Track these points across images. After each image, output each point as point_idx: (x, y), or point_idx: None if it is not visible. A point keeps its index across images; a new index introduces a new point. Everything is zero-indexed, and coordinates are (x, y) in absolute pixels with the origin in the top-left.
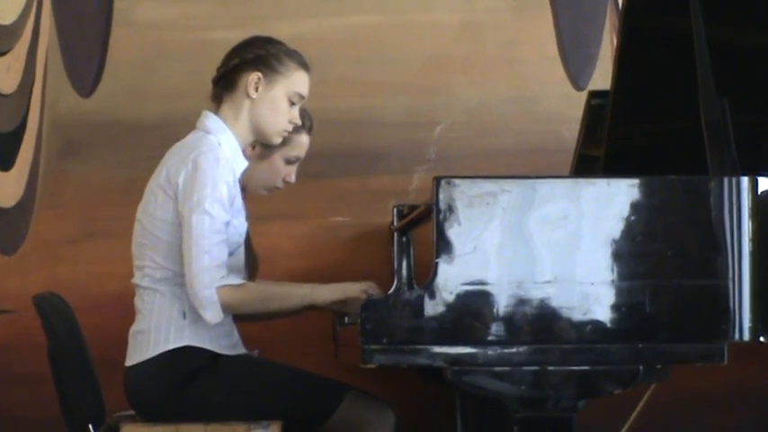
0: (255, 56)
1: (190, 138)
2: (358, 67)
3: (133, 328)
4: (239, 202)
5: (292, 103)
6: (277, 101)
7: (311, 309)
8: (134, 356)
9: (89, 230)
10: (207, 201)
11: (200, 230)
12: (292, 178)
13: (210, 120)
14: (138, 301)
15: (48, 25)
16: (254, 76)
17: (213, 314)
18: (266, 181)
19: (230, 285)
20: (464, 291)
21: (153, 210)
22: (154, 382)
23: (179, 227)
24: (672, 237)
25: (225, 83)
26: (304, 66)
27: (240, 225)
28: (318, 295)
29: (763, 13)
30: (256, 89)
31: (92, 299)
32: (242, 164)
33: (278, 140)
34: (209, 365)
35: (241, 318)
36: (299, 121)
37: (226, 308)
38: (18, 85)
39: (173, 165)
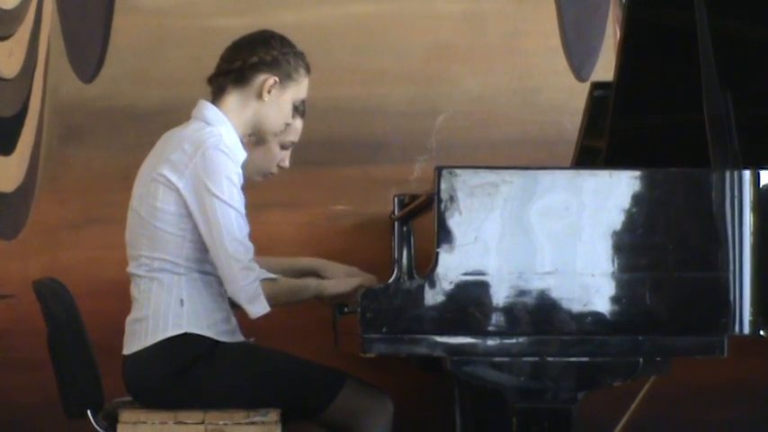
0: (274, 59)
1: (189, 129)
2: (360, 56)
3: (130, 317)
4: None
5: (294, 107)
6: (284, 105)
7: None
8: (132, 345)
9: (90, 216)
10: (226, 194)
11: (229, 225)
12: (286, 163)
13: (209, 110)
14: (134, 290)
15: (50, 10)
16: (272, 80)
17: (261, 306)
18: (262, 167)
19: (269, 278)
20: (464, 281)
21: (152, 201)
22: (153, 370)
23: (183, 218)
24: (673, 229)
25: (237, 77)
26: (309, 71)
27: None
28: (328, 286)
29: (766, 6)
30: (269, 92)
31: (92, 284)
32: (241, 155)
33: (272, 138)
34: (207, 353)
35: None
36: (290, 122)
37: (267, 300)
38: (20, 70)
39: (174, 158)
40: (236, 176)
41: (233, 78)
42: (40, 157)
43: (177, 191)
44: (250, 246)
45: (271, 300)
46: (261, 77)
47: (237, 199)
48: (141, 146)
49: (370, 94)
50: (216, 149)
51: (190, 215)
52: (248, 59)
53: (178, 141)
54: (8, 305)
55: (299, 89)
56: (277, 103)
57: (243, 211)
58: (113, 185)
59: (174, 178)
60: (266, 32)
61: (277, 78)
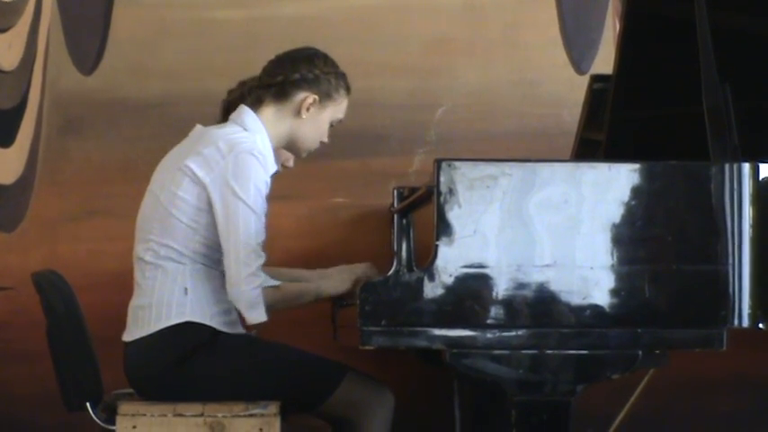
0: (315, 77)
1: (226, 130)
2: (360, 48)
3: (133, 303)
4: None
5: (330, 125)
6: (321, 123)
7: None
8: (134, 332)
9: (89, 208)
10: (251, 199)
11: (247, 230)
12: (291, 163)
13: (249, 117)
14: (138, 275)
15: (50, 2)
16: (311, 99)
17: (259, 313)
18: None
19: (272, 286)
20: (464, 273)
21: (174, 188)
22: (154, 358)
23: (201, 212)
24: (672, 222)
25: (277, 92)
26: (349, 91)
27: None
28: (326, 288)
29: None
30: (308, 110)
31: (91, 276)
32: (272, 167)
33: (305, 155)
34: (209, 343)
35: None
36: (326, 140)
37: (267, 308)
38: (19, 62)
39: (207, 153)
40: (264, 184)
41: (273, 92)
42: (40, 149)
43: (203, 186)
44: (263, 254)
45: (271, 307)
46: (301, 95)
47: (261, 206)
48: (141, 138)
49: (369, 87)
50: (249, 154)
51: (208, 210)
52: (290, 75)
53: (213, 138)
54: (7, 297)
55: (338, 109)
56: (314, 121)
57: (264, 219)
58: (113, 177)
59: (201, 174)
60: (310, 50)
61: (317, 97)
